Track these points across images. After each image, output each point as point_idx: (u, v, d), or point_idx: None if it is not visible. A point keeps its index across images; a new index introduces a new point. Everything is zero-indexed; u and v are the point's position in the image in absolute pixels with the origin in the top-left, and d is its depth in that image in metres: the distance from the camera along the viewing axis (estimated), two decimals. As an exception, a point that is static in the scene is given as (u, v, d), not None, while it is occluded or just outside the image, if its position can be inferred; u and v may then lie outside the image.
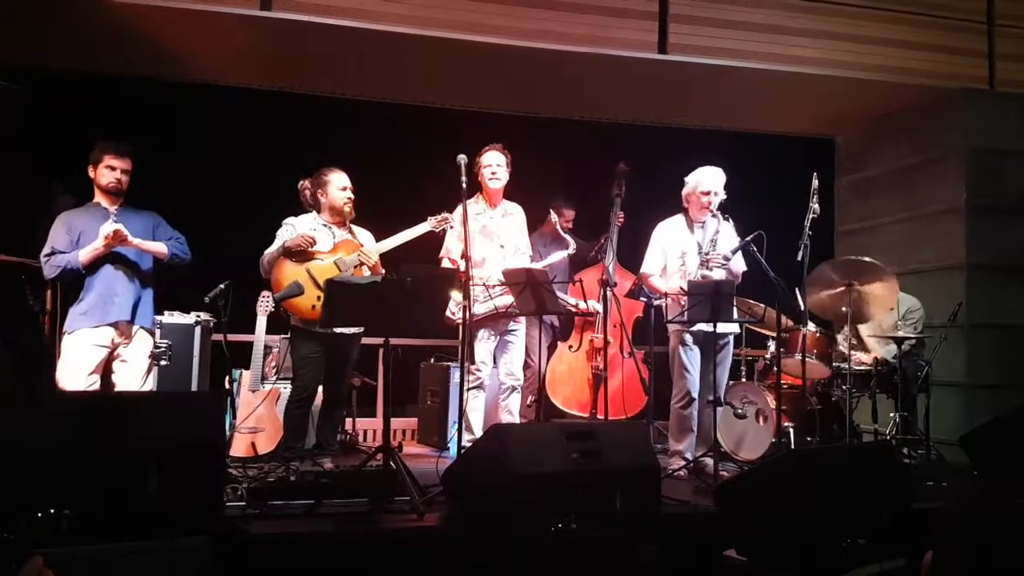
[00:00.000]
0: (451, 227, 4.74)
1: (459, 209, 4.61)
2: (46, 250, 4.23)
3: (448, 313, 4.79)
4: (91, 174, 4.37)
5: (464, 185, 4.32)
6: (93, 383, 4.22)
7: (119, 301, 4.26)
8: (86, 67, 5.50)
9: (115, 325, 4.27)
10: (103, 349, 4.25)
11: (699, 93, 5.93)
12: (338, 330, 4.49)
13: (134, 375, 4.34)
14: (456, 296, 4.56)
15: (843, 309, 4.99)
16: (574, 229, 5.93)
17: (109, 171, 4.33)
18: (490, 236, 4.97)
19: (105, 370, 4.30)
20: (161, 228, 4.47)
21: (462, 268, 4.82)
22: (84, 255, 4.19)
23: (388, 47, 5.08)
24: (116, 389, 4.30)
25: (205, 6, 4.62)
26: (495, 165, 4.92)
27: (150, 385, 4.48)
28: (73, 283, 4.24)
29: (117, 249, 4.24)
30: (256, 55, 5.42)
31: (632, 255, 5.42)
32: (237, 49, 5.28)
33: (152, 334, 4.51)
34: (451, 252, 4.86)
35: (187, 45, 5.19)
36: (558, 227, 5.54)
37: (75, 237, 4.25)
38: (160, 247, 4.37)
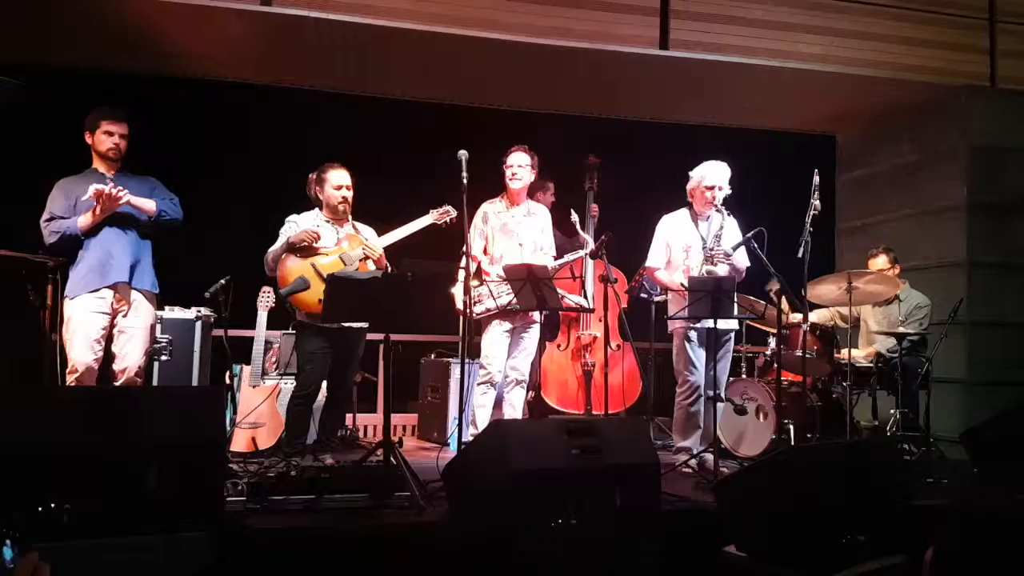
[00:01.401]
0: (452, 220, 4.74)
1: (482, 207, 4.93)
2: (45, 216, 4.24)
3: (460, 304, 4.78)
4: (88, 140, 4.37)
5: (464, 180, 4.32)
6: (98, 352, 4.22)
7: (116, 263, 4.24)
8: (86, 64, 5.50)
9: (114, 288, 4.24)
10: (104, 316, 4.23)
11: (700, 89, 5.92)
12: (344, 325, 4.48)
13: (134, 348, 4.31)
14: (459, 290, 4.57)
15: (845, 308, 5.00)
16: (557, 203, 5.95)
17: (107, 136, 4.32)
18: (509, 234, 5.00)
19: (106, 340, 4.28)
20: (158, 191, 4.45)
21: (483, 264, 4.85)
22: (83, 221, 4.19)
23: (389, 42, 5.07)
24: (116, 362, 4.29)
25: (206, 1, 4.61)
26: (516, 166, 4.96)
27: (143, 356, 4.42)
28: (71, 250, 4.23)
29: (115, 210, 4.22)
30: (257, 50, 5.41)
31: (631, 251, 5.42)
32: (238, 45, 5.27)
33: (154, 299, 4.47)
34: (472, 249, 4.87)
35: (187, 41, 5.19)
36: (577, 223, 5.51)
37: (72, 203, 4.24)
38: (148, 203, 4.33)
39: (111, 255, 4.24)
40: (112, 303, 4.27)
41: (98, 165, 4.38)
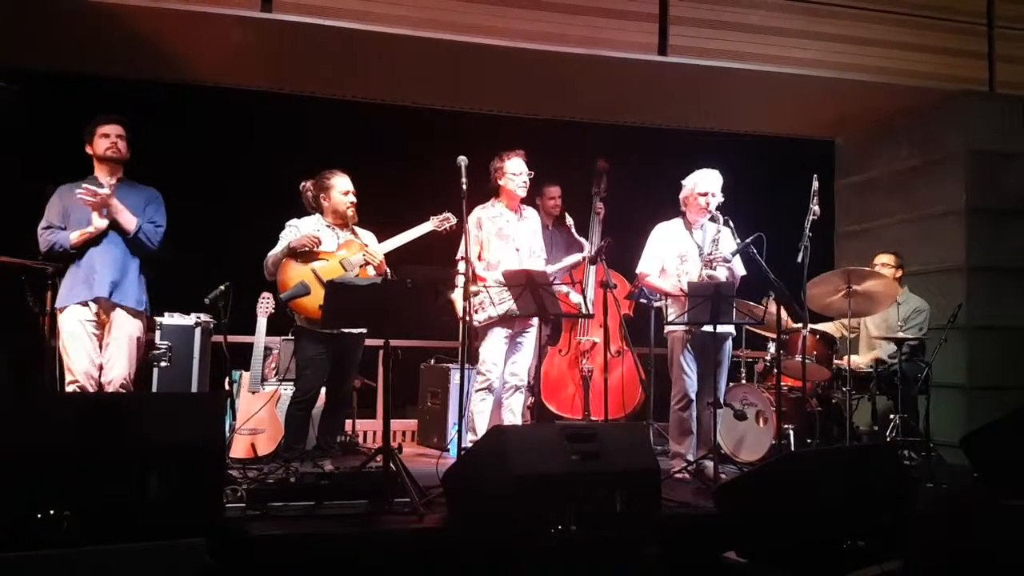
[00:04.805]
0: (453, 227, 4.75)
1: (475, 212, 4.83)
2: (43, 223, 4.23)
3: (461, 311, 4.76)
4: (89, 151, 4.33)
5: (464, 186, 4.32)
6: (96, 360, 4.19)
7: (98, 277, 4.19)
8: (85, 68, 5.50)
9: (97, 301, 4.20)
10: (93, 325, 4.21)
11: (699, 95, 5.93)
12: (343, 330, 4.47)
13: (118, 360, 4.23)
14: (460, 296, 4.56)
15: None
16: (566, 208, 5.95)
17: (104, 139, 4.28)
18: (506, 239, 4.97)
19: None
20: (151, 206, 4.37)
21: (478, 270, 4.84)
22: (74, 238, 4.16)
23: (388, 49, 5.08)
24: (102, 373, 4.24)
25: (205, 7, 4.62)
26: (526, 174, 4.94)
27: (128, 367, 4.33)
28: (64, 260, 4.21)
29: (108, 221, 4.18)
30: (256, 56, 5.42)
31: (629, 258, 5.41)
32: (237, 50, 5.28)
33: (140, 315, 4.35)
34: (469, 254, 4.85)
35: (187, 46, 5.20)
36: (572, 227, 5.51)
37: (63, 210, 4.22)
38: (130, 220, 4.23)
39: (94, 269, 4.20)
40: (99, 314, 4.24)
41: (99, 172, 4.33)
